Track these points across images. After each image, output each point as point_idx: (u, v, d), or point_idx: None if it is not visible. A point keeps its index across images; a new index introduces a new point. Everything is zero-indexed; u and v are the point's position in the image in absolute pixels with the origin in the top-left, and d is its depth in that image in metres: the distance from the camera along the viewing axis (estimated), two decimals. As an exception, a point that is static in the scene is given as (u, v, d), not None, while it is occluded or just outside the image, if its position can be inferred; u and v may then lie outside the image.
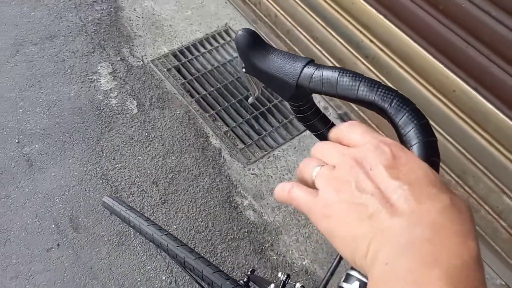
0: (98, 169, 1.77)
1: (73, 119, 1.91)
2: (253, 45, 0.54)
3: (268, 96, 2.14)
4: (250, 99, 0.73)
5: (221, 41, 2.33)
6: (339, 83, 0.46)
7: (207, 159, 1.87)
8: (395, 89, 0.45)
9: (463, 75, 1.43)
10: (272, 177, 1.84)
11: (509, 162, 1.42)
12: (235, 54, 2.24)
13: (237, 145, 1.95)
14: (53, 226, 1.60)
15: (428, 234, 0.25)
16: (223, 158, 1.89)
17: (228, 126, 2.00)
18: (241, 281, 1.10)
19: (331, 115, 2.05)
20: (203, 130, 1.97)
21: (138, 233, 1.02)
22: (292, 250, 1.65)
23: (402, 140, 0.42)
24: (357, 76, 0.46)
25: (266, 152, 1.93)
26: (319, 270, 1.61)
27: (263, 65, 0.53)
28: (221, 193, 1.77)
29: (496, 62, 1.31)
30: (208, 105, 2.08)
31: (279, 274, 0.71)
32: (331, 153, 0.33)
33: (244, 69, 0.58)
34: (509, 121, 1.35)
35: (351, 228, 0.28)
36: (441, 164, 1.69)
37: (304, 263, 1.63)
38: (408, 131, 0.42)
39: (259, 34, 0.55)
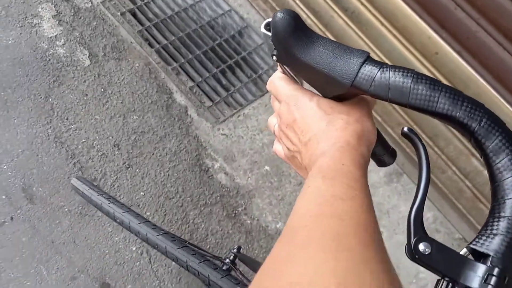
0: (49, 130, 1.58)
1: (14, 72, 1.66)
2: (295, 31, 0.42)
3: (235, 47, 1.98)
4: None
5: (182, -18, 2.08)
6: (412, 92, 0.37)
7: (173, 119, 1.73)
8: (481, 102, 0.37)
9: (447, 38, 1.38)
10: (243, 138, 1.75)
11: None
12: (259, 40, 2.03)
13: (204, 102, 1.81)
14: (3, 197, 1.43)
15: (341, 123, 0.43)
16: (190, 117, 1.76)
17: (194, 81, 1.85)
18: (226, 260, 1.06)
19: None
20: (166, 86, 1.80)
21: (113, 221, 0.92)
22: (265, 213, 1.63)
23: (493, 168, 0.36)
24: (436, 83, 0.37)
25: (236, 111, 1.82)
26: (292, 232, 1.61)
27: (306, 56, 0.42)
28: (190, 155, 1.66)
29: (484, 27, 1.27)
30: (170, 56, 1.89)
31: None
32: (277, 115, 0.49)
33: (275, 57, 0.47)
34: (489, 87, 1.34)
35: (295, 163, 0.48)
36: (412, 125, 1.69)
37: (278, 226, 1.61)
38: (502, 159, 0.35)
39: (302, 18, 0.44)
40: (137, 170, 1.59)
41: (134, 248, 1.44)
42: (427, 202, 1.59)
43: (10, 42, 1.72)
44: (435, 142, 1.62)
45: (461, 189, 1.63)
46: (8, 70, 1.66)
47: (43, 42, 1.76)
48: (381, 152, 0.56)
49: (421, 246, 0.35)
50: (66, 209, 1.45)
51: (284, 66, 0.48)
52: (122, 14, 1.93)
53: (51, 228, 1.42)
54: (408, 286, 1.57)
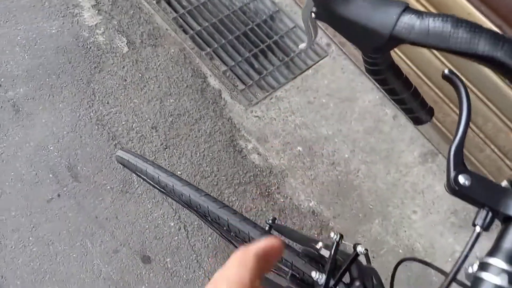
0: (92, 114, 1.66)
1: (58, 59, 1.75)
2: None
3: (267, 31, 2.00)
4: (303, 45, 0.64)
5: (214, -31, 2.12)
6: (452, 36, 0.39)
7: (207, 102, 1.77)
8: None
9: (488, 13, 1.35)
10: (275, 120, 1.77)
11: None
12: (291, 24, 2.06)
13: (237, 86, 1.85)
14: (50, 175, 1.52)
15: None
16: (224, 100, 1.80)
17: (227, 65, 1.89)
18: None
19: (334, 52, 1.96)
20: (201, 70, 1.85)
21: (156, 186, 0.97)
22: (298, 192, 1.64)
23: None
24: (476, 27, 0.38)
25: (268, 93, 1.84)
26: (325, 211, 1.62)
27: (345, 11, 0.44)
28: (224, 137, 1.70)
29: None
30: (204, 42, 1.93)
31: (331, 234, 0.67)
32: None
33: (314, 14, 0.48)
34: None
35: None
36: (450, 104, 1.66)
37: (310, 204, 1.63)
38: None
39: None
40: (174, 150, 1.64)
41: (172, 224, 1.50)
42: None
43: (53, 31, 1.81)
44: (473, 120, 1.58)
45: (500, 167, 1.59)
46: (53, 58, 1.75)
47: (84, 31, 1.84)
48: (418, 109, 0.56)
49: (461, 178, 0.36)
50: (108, 187, 1.53)
51: (316, 21, 0.50)
52: (158, 2, 1.99)
53: (95, 205, 1.50)
54: (444, 264, 1.55)
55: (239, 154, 1.68)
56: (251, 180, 1.64)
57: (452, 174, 0.36)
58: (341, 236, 0.66)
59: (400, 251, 1.62)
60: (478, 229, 0.35)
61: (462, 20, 0.39)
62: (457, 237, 1.65)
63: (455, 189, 0.36)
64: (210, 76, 1.84)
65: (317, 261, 0.68)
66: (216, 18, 1.99)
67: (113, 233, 1.46)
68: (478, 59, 0.38)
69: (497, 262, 0.33)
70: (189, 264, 1.45)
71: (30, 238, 1.42)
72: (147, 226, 1.49)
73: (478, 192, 0.35)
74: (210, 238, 1.50)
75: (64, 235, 1.45)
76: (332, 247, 0.65)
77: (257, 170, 1.66)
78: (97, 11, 1.90)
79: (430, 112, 0.58)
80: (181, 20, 1.97)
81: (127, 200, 1.52)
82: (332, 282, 0.61)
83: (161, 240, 1.47)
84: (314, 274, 0.62)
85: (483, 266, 0.34)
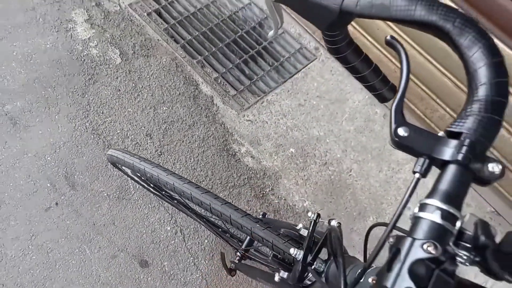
0: (87, 124, 1.70)
1: (53, 73, 1.80)
2: None
3: (256, 38, 2.05)
4: (271, 33, 0.68)
5: (203, -19, 2.18)
6: (392, 5, 0.43)
7: (200, 108, 1.81)
8: (456, 7, 0.42)
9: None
10: (267, 123, 1.81)
11: None
12: (279, 30, 2.12)
13: (229, 91, 1.89)
14: (48, 185, 1.55)
15: None
16: (216, 105, 1.84)
17: (218, 72, 1.93)
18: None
19: (323, 55, 2.00)
20: (192, 78, 1.89)
21: (155, 185, 0.99)
22: (292, 193, 1.67)
23: (467, 61, 0.40)
24: None
25: (259, 97, 1.89)
26: (320, 210, 1.65)
27: None
28: (217, 141, 1.74)
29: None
30: (195, 50, 1.98)
31: (309, 214, 0.70)
32: None
33: None
34: None
35: None
36: (437, 100, 1.69)
37: (305, 204, 1.66)
38: (475, 52, 0.39)
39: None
40: (168, 156, 1.68)
41: (168, 228, 1.53)
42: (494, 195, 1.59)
43: (48, 46, 1.86)
44: (417, 73, 1.63)
45: (443, 116, 1.62)
46: (48, 71, 1.80)
47: (78, 44, 1.89)
48: (381, 86, 0.60)
49: (401, 131, 0.39)
50: (105, 194, 1.56)
51: (278, 5, 0.55)
52: (148, 14, 2.05)
53: (92, 212, 1.53)
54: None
55: (232, 157, 1.72)
56: (245, 182, 1.67)
57: (393, 127, 0.40)
58: (318, 215, 0.69)
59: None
60: (417, 175, 0.39)
61: None
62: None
63: (396, 141, 0.39)
64: (202, 83, 1.88)
65: (297, 241, 0.71)
66: (206, 27, 2.04)
67: (111, 239, 1.49)
68: (418, 25, 0.42)
69: (433, 201, 0.36)
70: (187, 267, 1.48)
71: (30, 247, 1.45)
72: (144, 231, 1.51)
73: (416, 142, 0.39)
74: (206, 241, 1.53)
75: (63, 242, 1.47)
76: (310, 226, 0.68)
77: (251, 172, 1.69)
78: (90, 25, 1.95)
79: (393, 89, 0.62)
80: (172, 31, 2.02)
81: (124, 206, 1.55)
82: (309, 258, 0.64)
83: (158, 244, 1.50)
84: (292, 251, 0.65)
85: (422, 207, 0.37)
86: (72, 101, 1.74)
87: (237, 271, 1.14)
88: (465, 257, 0.38)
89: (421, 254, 0.35)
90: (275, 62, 1.99)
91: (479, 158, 0.37)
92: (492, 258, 0.37)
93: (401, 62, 0.42)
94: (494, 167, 0.37)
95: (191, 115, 1.79)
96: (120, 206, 1.55)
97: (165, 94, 1.82)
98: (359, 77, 0.64)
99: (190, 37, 2.01)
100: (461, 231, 0.37)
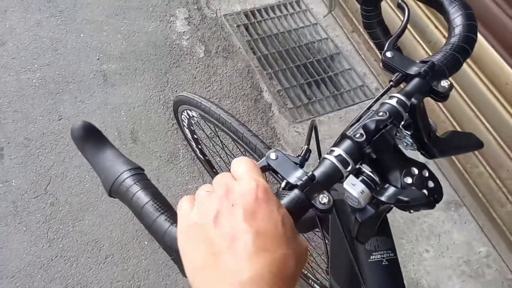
0: (161, 96, 1.97)
1: (147, 50, 2.12)
2: None
3: (325, 67, 2.26)
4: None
5: (291, 10, 2.46)
6: None
7: (258, 110, 2.02)
8: None
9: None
10: (313, 138, 1.96)
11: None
12: (347, 66, 2.38)
13: (287, 104, 2.09)
14: (116, 133, 1.81)
15: (250, 280, 0.30)
16: (272, 112, 2.03)
17: (282, 86, 2.15)
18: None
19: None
20: (259, 85, 2.12)
21: (215, 122, 1.15)
22: (319, 203, 1.78)
23: (448, 15, 0.55)
24: None
25: (313, 116, 2.05)
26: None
27: None
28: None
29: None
30: (268, 64, 2.22)
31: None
32: (217, 181, 0.37)
33: None
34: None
35: (197, 257, 0.33)
36: (478, 155, 1.75)
37: (328, 217, 1.75)
38: (453, 7, 0.55)
39: None
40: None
41: (201, 197, 1.69)
42: (482, 236, 1.74)
43: (150, 29, 2.20)
44: (497, 173, 1.66)
45: None
46: (143, 49, 2.12)
47: (173, 35, 2.21)
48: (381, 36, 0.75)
49: (388, 53, 0.54)
50: (158, 154, 1.78)
51: None
52: (238, 26, 2.35)
53: (142, 165, 1.74)
54: (443, 298, 1.57)
55: (274, 158, 1.87)
56: (279, 182, 1.81)
57: (385, 49, 0.55)
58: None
59: (405, 282, 1.66)
60: (391, 83, 0.53)
61: None
62: (464, 285, 1.67)
63: (383, 60, 0.54)
64: (266, 91, 2.10)
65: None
66: (283, 48, 2.29)
67: (151, 192, 1.68)
68: None
69: (397, 94, 0.51)
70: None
71: (86, 177, 1.68)
72: (181, 194, 1.69)
73: (397, 62, 0.53)
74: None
75: (112, 183, 1.69)
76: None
77: (286, 175, 1.83)
78: (187, 22, 2.28)
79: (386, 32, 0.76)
80: (253, 43, 2.29)
81: (170, 169, 1.75)
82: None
83: (189, 207, 1.67)
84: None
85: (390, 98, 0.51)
86: (154, 75, 2.03)
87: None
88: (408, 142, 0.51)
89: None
90: (336, 91, 2.17)
91: (436, 77, 0.51)
92: (431, 144, 0.50)
93: (403, 16, 0.58)
94: (445, 83, 0.50)
95: (249, 113, 1.99)
96: (167, 168, 1.75)
97: (231, 91, 2.06)
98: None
99: (267, 52, 2.26)
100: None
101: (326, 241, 0.72)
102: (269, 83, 2.14)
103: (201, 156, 1.55)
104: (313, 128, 0.59)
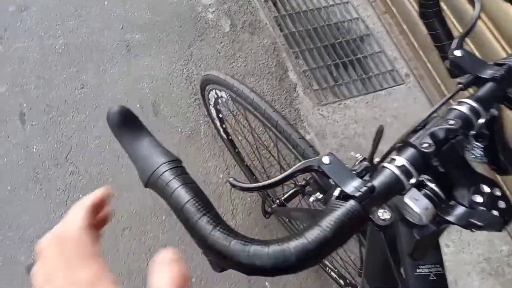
0: (184, 70, 1.92)
1: (172, 22, 2.06)
2: None
3: (354, 49, 2.17)
4: None
5: (322, -13, 2.36)
6: None
7: (282, 90, 1.96)
8: None
9: None
10: (338, 122, 1.91)
11: None
12: (377, 48, 2.28)
13: (313, 85, 2.02)
14: (137, 105, 1.78)
15: None
16: (297, 93, 1.97)
17: (308, 66, 2.08)
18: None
19: (411, 82, 2.06)
20: (284, 64, 2.06)
21: (238, 99, 1.11)
22: (340, 189, 1.74)
23: None
24: None
25: (338, 99, 1.99)
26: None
27: None
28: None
29: None
30: (295, 42, 2.15)
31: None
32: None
33: None
34: None
35: None
36: None
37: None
38: None
39: None
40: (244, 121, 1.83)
41: (221, 176, 1.67)
42: (506, 235, 1.66)
43: (175, 0, 2.14)
44: None
45: None
46: (168, 20, 2.07)
47: (199, 7, 2.15)
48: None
49: (457, 52, 0.49)
50: (179, 129, 1.75)
51: None
52: (265, 1, 2.26)
53: (163, 140, 1.72)
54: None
55: (296, 140, 1.83)
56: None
57: (453, 46, 0.49)
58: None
59: (422, 275, 1.63)
60: (460, 86, 0.48)
61: None
62: (483, 283, 1.63)
63: (451, 58, 0.49)
64: (291, 71, 2.04)
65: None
66: (311, 26, 2.21)
67: (171, 167, 1.67)
68: None
69: (467, 100, 0.45)
70: (224, 213, 1.60)
71: (107, 147, 1.67)
72: (200, 170, 1.67)
73: (466, 63, 0.48)
74: (249, 199, 1.65)
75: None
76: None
77: (308, 158, 1.79)
78: (214, -6, 2.21)
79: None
80: (280, 20, 2.21)
81: (191, 145, 1.73)
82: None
83: (207, 185, 1.65)
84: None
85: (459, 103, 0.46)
86: (178, 48, 1.98)
87: (271, 215, 1.24)
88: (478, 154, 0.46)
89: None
90: (364, 75, 2.09)
91: None
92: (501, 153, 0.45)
93: (474, 11, 0.52)
94: None
95: (272, 93, 1.94)
96: (187, 143, 1.73)
97: (256, 69, 2.00)
98: (438, 46, 0.73)
99: (294, 30, 2.18)
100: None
101: (362, 247, 0.68)
102: (295, 62, 2.07)
103: (224, 135, 1.51)
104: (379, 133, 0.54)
